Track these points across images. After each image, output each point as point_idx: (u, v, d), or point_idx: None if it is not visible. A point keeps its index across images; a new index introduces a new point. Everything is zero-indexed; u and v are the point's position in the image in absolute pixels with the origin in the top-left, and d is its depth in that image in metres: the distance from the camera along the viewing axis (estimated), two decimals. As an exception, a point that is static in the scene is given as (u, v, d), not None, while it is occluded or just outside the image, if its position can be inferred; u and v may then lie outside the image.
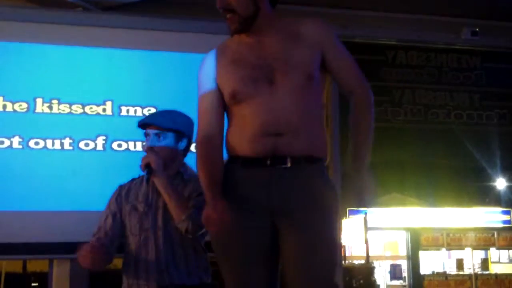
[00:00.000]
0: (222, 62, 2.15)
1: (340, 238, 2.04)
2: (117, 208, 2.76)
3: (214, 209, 1.94)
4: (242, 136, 2.07)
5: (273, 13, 2.15)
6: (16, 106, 4.47)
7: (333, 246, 2.00)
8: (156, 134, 2.71)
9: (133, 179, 2.86)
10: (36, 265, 8.67)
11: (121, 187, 2.84)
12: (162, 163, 2.63)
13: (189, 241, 2.62)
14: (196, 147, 2.19)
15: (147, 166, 2.60)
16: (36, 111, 4.49)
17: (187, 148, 2.80)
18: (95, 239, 2.72)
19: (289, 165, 2.00)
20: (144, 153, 2.73)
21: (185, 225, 2.53)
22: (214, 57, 2.20)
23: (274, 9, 2.16)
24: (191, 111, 4.58)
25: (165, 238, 2.61)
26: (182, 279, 2.59)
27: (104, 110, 4.61)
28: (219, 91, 2.16)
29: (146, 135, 2.76)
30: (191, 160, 2.71)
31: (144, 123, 2.77)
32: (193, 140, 2.63)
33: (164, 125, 2.74)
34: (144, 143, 2.81)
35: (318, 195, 2.01)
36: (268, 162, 2.02)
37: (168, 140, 2.71)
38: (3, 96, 4.46)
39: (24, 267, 9.14)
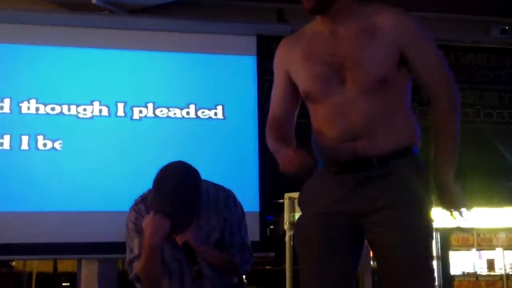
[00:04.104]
0: (296, 57, 2.04)
1: (429, 227, 1.97)
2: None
3: (293, 153, 1.84)
4: (322, 143, 2.02)
5: None
6: (48, 109, 4.54)
7: (421, 234, 1.93)
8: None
9: (143, 199, 2.60)
10: (67, 265, 8.75)
11: (139, 213, 2.56)
12: (193, 229, 2.46)
13: None
14: (266, 131, 2.11)
15: (185, 245, 2.43)
16: (64, 113, 4.55)
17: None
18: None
19: (372, 166, 1.93)
20: None
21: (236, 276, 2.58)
22: (287, 47, 2.10)
23: None
24: (219, 110, 4.67)
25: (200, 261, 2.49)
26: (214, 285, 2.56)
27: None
28: (290, 83, 2.09)
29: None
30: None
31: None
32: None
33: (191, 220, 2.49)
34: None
35: (405, 191, 1.92)
36: (353, 166, 1.95)
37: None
38: (36, 99, 4.53)
39: (55, 267, 9.25)
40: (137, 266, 2.46)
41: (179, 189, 2.37)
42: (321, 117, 2.00)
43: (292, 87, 2.08)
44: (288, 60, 2.08)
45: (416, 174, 1.96)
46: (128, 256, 2.56)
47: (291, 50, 2.07)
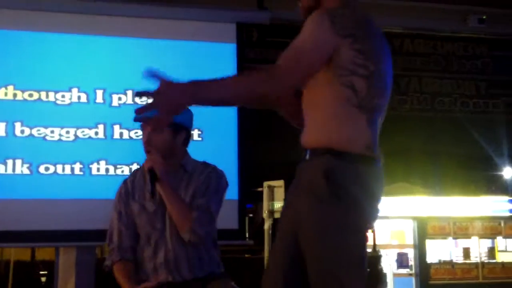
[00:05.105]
0: None
1: (331, 234, 1.81)
2: (124, 208, 2.64)
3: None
4: None
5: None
6: (26, 95, 4.50)
7: (321, 245, 1.81)
8: (153, 129, 2.57)
9: (136, 172, 2.76)
10: (45, 253, 8.72)
11: (125, 183, 2.70)
12: (163, 163, 2.55)
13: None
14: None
15: (150, 170, 2.53)
16: (43, 99, 4.52)
17: (186, 140, 2.68)
18: (119, 260, 2.58)
19: (307, 157, 1.93)
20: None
21: (187, 236, 2.51)
22: None
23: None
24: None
25: (176, 237, 2.55)
26: (193, 274, 2.57)
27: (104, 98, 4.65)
28: None
29: (143, 127, 2.66)
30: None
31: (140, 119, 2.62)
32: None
33: None
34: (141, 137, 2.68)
35: (301, 194, 1.89)
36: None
37: (165, 134, 2.61)
38: (14, 85, 4.49)
39: (33, 255, 9.21)
40: (116, 267, 2.56)
41: None
42: None
43: None
44: None
45: (322, 174, 1.85)
46: (109, 230, 2.64)
47: None
